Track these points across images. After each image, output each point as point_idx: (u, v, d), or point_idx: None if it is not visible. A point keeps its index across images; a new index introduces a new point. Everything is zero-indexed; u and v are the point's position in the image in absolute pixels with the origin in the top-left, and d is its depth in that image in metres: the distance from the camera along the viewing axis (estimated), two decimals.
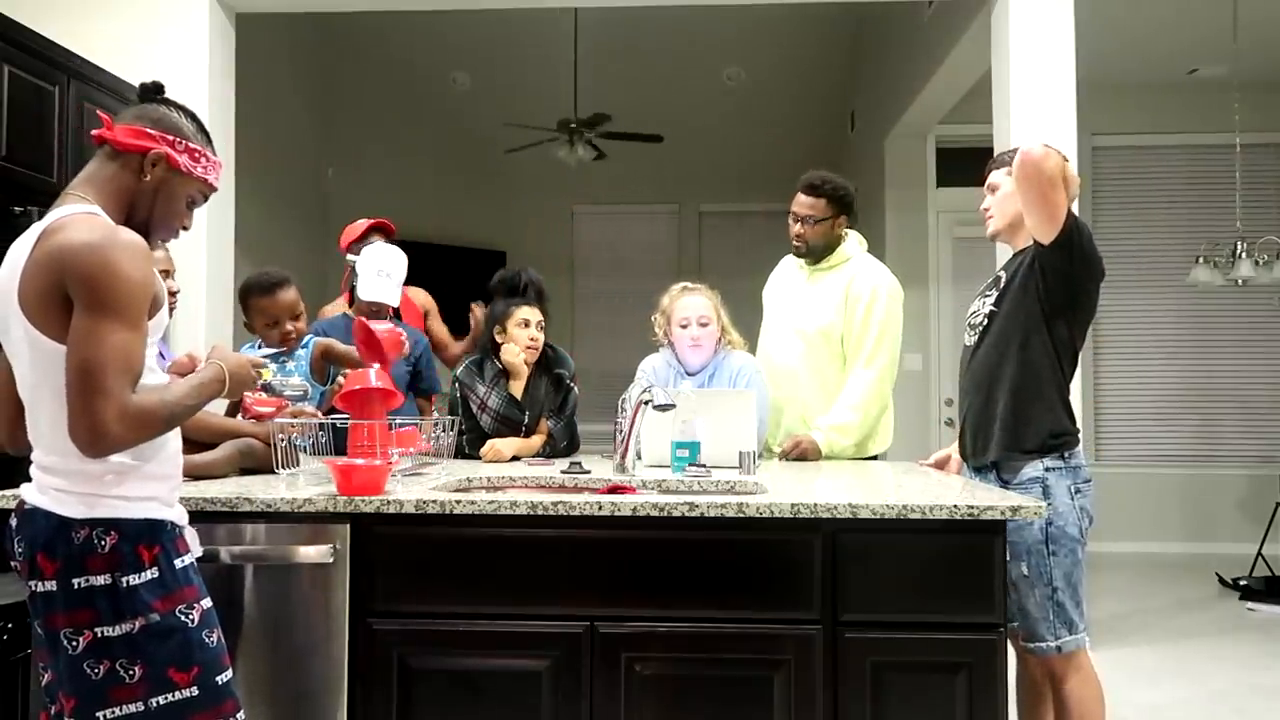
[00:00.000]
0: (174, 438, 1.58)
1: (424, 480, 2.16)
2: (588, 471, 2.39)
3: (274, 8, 4.61)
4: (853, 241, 3.03)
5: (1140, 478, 6.44)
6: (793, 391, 2.98)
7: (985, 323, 2.34)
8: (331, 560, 1.85)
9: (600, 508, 1.84)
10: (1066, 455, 2.24)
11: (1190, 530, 6.43)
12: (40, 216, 1.49)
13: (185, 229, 1.65)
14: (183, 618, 1.48)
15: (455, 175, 8.07)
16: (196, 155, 1.59)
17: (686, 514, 1.81)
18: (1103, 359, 6.53)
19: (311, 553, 1.85)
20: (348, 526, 1.86)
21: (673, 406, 2.33)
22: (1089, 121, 4.61)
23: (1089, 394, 6.23)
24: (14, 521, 1.51)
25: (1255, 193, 6.07)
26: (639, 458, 2.49)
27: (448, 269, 7.47)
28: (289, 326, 2.51)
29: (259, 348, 2.59)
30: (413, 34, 7.07)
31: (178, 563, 1.51)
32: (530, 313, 2.79)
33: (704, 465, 2.38)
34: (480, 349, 2.90)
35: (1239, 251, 5.13)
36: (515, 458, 2.71)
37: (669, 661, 1.84)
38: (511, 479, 2.36)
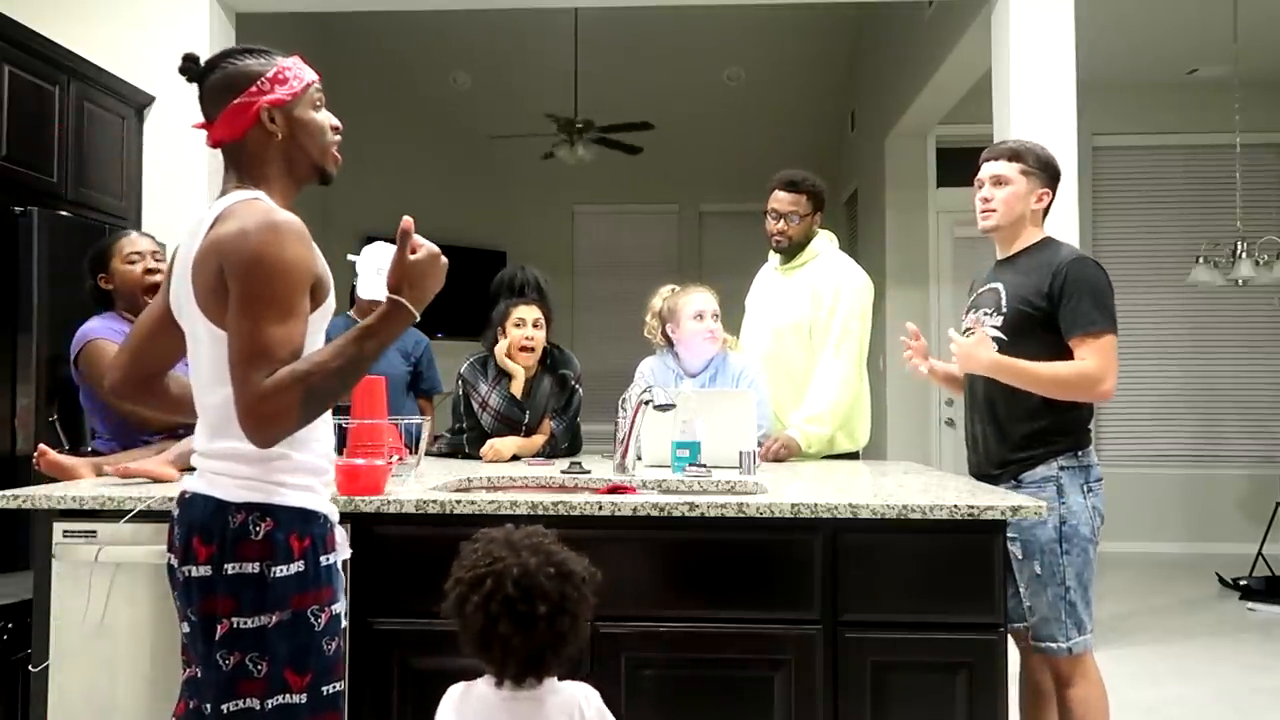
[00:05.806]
0: (326, 432, 1.57)
1: (424, 480, 2.16)
2: (588, 471, 2.39)
3: (274, 8, 4.62)
4: (823, 239, 3.07)
5: (1140, 478, 6.43)
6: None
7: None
8: None
9: (600, 508, 1.84)
10: (1079, 454, 2.24)
11: (1191, 530, 6.43)
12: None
13: (338, 130, 1.60)
14: (311, 619, 1.46)
15: (455, 175, 8.07)
16: (283, 78, 1.54)
17: (686, 514, 1.81)
18: None
19: None
20: (348, 526, 1.86)
21: (673, 406, 2.33)
22: (1089, 121, 4.62)
23: None
24: (175, 511, 1.51)
25: (1255, 193, 6.06)
26: (639, 458, 2.49)
27: (448, 269, 7.49)
28: None
29: None
30: (413, 34, 7.07)
31: (323, 559, 1.49)
32: (527, 311, 2.78)
33: (704, 465, 2.38)
34: (485, 348, 2.89)
35: (1239, 251, 5.12)
36: (516, 457, 2.71)
37: (669, 661, 1.84)
38: (511, 479, 2.36)
